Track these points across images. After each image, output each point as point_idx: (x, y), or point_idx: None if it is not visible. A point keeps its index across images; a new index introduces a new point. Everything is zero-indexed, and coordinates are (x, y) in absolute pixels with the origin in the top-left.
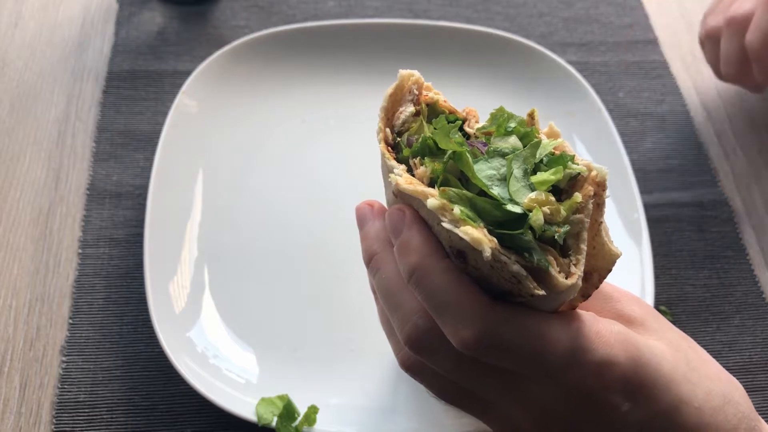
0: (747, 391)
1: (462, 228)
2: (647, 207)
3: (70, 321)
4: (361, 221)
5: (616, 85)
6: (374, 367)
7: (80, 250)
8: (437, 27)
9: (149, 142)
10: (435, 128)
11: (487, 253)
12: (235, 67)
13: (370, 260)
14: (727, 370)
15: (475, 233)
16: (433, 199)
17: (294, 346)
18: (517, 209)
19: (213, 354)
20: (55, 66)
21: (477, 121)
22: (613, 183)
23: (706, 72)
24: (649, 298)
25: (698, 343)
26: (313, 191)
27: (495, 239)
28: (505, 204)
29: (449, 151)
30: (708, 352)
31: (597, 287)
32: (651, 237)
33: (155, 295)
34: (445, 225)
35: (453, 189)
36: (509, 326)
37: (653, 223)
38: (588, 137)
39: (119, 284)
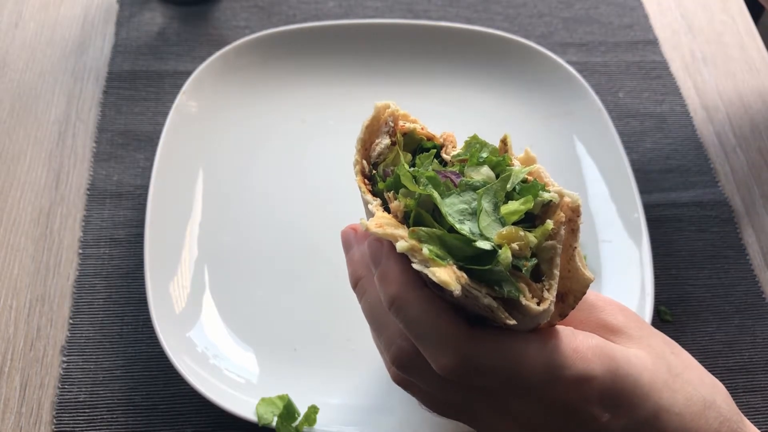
0: (747, 391)
1: (431, 269)
2: (647, 207)
3: (71, 321)
4: (346, 246)
5: (616, 85)
6: (374, 367)
7: (81, 250)
8: (437, 27)
9: (149, 142)
10: (399, 173)
11: (457, 291)
12: (235, 67)
13: (356, 284)
14: (727, 370)
15: (443, 275)
16: (403, 241)
17: (294, 346)
18: (486, 246)
19: (213, 354)
20: (55, 66)
21: (454, 147)
22: (613, 183)
23: (706, 72)
24: (649, 298)
25: (698, 344)
26: (313, 191)
27: (465, 275)
28: (475, 240)
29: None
30: (708, 352)
31: (573, 308)
32: (651, 237)
33: (155, 295)
34: (415, 266)
35: (423, 228)
36: (486, 351)
37: (653, 223)
38: (588, 137)
39: (119, 284)
